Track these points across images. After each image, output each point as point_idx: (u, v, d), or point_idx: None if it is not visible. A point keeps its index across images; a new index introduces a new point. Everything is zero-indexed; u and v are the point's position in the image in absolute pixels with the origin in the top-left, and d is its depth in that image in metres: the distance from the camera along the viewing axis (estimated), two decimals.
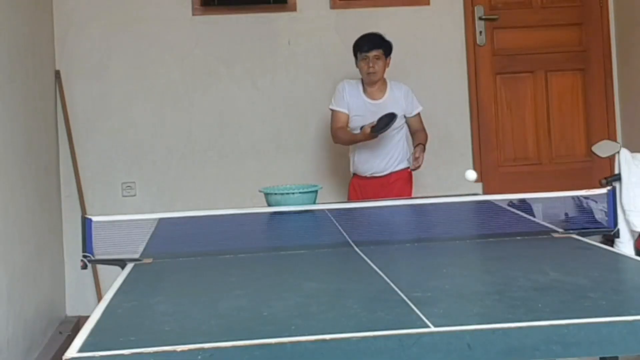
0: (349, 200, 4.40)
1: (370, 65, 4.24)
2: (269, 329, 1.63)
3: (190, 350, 1.49)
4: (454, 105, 5.15)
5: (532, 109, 5.21)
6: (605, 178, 3.31)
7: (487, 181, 5.12)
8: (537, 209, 3.25)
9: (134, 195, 4.95)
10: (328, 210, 3.18)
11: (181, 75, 5.02)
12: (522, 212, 3.14)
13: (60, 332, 4.41)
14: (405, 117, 4.34)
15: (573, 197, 3.41)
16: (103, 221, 2.58)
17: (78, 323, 4.54)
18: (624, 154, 3.36)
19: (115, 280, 2.18)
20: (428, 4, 5.13)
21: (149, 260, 2.43)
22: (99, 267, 4.47)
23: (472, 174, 2.47)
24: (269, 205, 3.41)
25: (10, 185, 3.77)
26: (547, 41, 5.19)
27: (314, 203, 3.39)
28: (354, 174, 4.44)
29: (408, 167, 4.34)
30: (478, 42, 5.15)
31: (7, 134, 3.75)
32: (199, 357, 1.48)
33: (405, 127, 4.37)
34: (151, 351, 1.50)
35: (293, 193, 3.39)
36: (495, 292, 1.92)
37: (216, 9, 5.02)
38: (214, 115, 5.03)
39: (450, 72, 5.15)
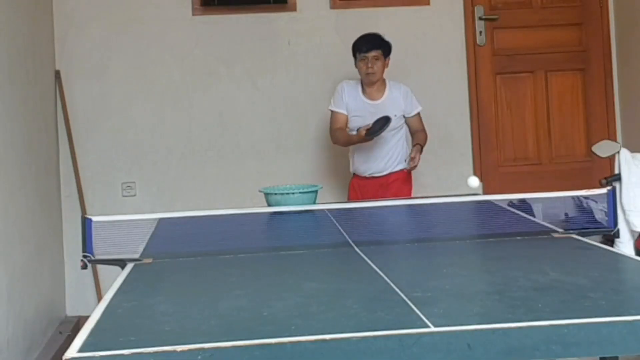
0: (349, 200, 4.40)
1: (369, 65, 4.24)
2: (269, 329, 1.63)
3: (190, 350, 1.49)
4: (454, 105, 5.15)
5: (532, 109, 5.22)
6: (605, 178, 3.31)
7: (487, 181, 5.12)
8: (537, 209, 3.25)
9: (134, 195, 4.95)
10: (328, 210, 3.17)
11: (181, 75, 5.02)
12: (522, 212, 3.14)
13: (60, 332, 4.41)
14: (404, 117, 4.34)
15: (573, 197, 3.41)
16: (103, 221, 2.58)
17: (78, 323, 4.54)
18: (624, 154, 3.36)
19: (115, 280, 2.18)
20: (428, 4, 5.13)
21: (149, 260, 2.43)
22: (99, 267, 4.47)
23: (474, 181, 2.47)
24: (269, 205, 3.41)
25: (10, 185, 3.77)
26: (547, 41, 5.19)
27: (314, 203, 3.39)
28: (354, 174, 4.45)
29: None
30: (478, 42, 5.15)
31: (7, 134, 3.75)
32: (199, 357, 1.48)
33: (405, 128, 4.37)
34: (151, 351, 1.50)
35: (293, 193, 3.39)
36: (495, 292, 1.92)
37: (216, 9, 5.03)
38: (214, 115, 5.03)
39: (450, 72, 5.15)
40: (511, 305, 1.74)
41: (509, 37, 5.18)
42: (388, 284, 1.97)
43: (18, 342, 3.71)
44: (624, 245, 3.21)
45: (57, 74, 4.86)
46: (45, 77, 4.65)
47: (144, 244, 2.71)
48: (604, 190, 2.75)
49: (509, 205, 3.26)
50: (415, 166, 4.26)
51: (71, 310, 4.83)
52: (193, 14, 5.02)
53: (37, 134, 4.35)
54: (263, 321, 1.69)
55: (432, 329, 1.56)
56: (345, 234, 2.74)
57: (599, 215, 3.11)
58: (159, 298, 1.98)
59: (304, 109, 5.05)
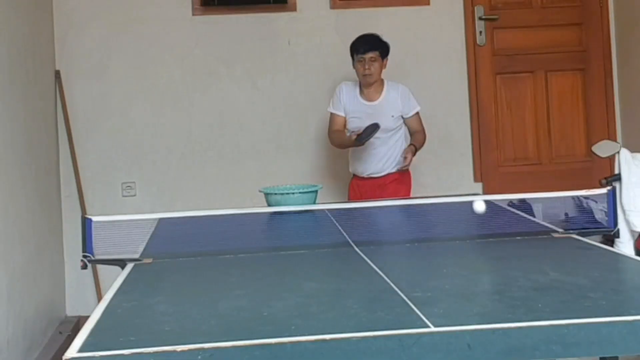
0: (349, 200, 4.40)
1: (366, 67, 4.23)
2: (269, 329, 1.63)
3: (190, 350, 1.49)
4: (454, 105, 5.15)
5: (532, 109, 5.22)
6: (605, 178, 3.31)
7: (487, 181, 5.12)
8: (537, 209, 3.25)
9: (134, 195, 4.95)
10: (328, 210, 3.17)
11: (181, 75, 5.02)
12: (522, 212, 3.14)
13: (60, 332, 4.41)
14: (402, 117, 4.33)
15: (573, 197, 3.41)
16: (103, 221, 2.58)
17: (78, 323, 4.54)
18: (624, 154, 3.36)
19: (115, 280, 2.18)
20: (428, 4, 5.13)
21: (149, 260, 2.43)
22: (99, 267, 4.47)
23: (480, 206, 2.47)
24: (269, 205, 3.40)
25: (10, 185, 3.77)
26: (547, 41, 5.19)
27: (314, 203, 3.39)
28: (353, 175, 4.45)
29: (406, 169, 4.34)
30: (478, 42, 5.15)
31: (7, 134, 3.75)
32: (199, 357, 1.48)
33: (404, 128, 4.37)
34: (151, 351, 1.50)
35: (293, 193, 3.39)
36: (495, 292, 1.92)
37: (216, 9, 5.03)
38: (214, 115, 5.03)
39: (450, 72, 5.15)
40: (511, 305, 1.74)
41: (509, 37, 5.18)
42: (388, 284, 1.97)
43: (18, 342, 3.71)
44: (624, 245, 3.21)
45: (57, 74, 4.86)
46: (45, 77, 4.65)
47: (144, 244, 2.71)
48: (604, 190, 2.75)
49: (509, 205, 3.26)
50: (406, 166, 4.24)
51: (71, 310, 4.83)
52: (193, 14, 5.02)
53: (37, 134, 4.35)
54: (263, 321, 1.69)
55: (432, 329, 1.56)
56: (345, 234, 2.74)
57: (599, 215, 3.11)
58: (159, 298, 1.98)
59: (304, 109, 5.05)
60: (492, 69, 5.17)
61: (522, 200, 3.28)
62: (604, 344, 1.56)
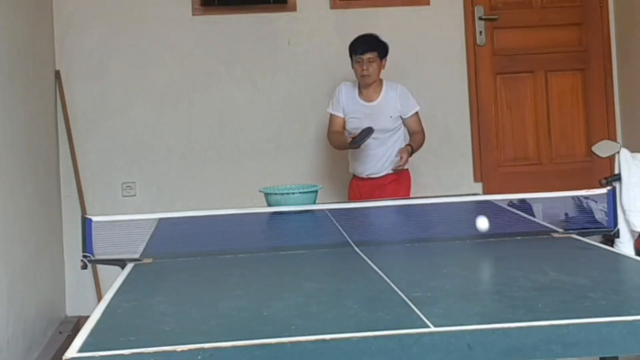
0: (350, 200, 4.40)
1: (364, 68, 4.23)
2: (269, 329, 1.63)
3: (190, 350, 1.49)
4: (454, 105, 5.16)
5: (532, 109, 5.22)
6: (605, 178, 3.31)
7: (487, 181, 5.12)
8: (537, 209, 3.25)
9: (134, 195, 4.95)
10: (328, 210, 3.17)
11: (181, 75, 5.02)
12: (522, 212, 3.14)
13: (60, 332, 4.41)
14: (401, 118, 4.31)
15: (573, 197, 3.41)
16: (103, 221, 2.58)
17: (78, 323, 4.54)
18: (624, 154, 3.36)
19: (115, 280, 2.18)
20: (428, 4, 5.13)
21: (149, 260, 2.43)
22: (99, 267, 4.47)
23: (483, 223, 2.46)
24: (269, 205, 3.40)
25: (10, 185, 3.77)
26: (547, 41, 5.19)
27: (314, 203, 3.39)
28: (353, 175, 4.45)
29: (405, 169, 4.33)
30: (478, 42, 5.15)
31: (7, 134, 3.75)
32: (199, 357, 1.48)
33: (403, 129, 4.35)
34: (151, 351, 1.50)
35: (293, 193, 3.39)
36: (495, 292, 1.92)
37: (216, 9, 5.03)
38: (214, 115, 5.03)
39: (450, 72, 5.15)
40: (511, 305, 1.74)
41: (509, 37, 5.18)
42: (388, 284, 1.97)
43: (18, 342, 3.71)
44: (624, 245, 3.21)
45: (57, 74, 4.86)
46: (45, 77, 4.65)
47: (144, 244, 2.71)
48: (604, 190, 2.75)
49: (509, 205, 3.26)
50: (401, 166, 4.21)
51: (71, 310, 4.83)
52: (193, 14, 5.02)
53: (37, 134, 4.35)
54: (263, 321, 1.69)
55: (432, 329, 1.56)
56: (345, 234, 2.74)
57: (599, 215, 3.10)
58: (159, 298, 1.98)
59: (304, 109, 5.05)
60: (492, 69, 5.17)
61: (522, 200, 3.28)
62: (604, 344, 1.56)
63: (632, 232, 3.27)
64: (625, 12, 5.12)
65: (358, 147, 4.15)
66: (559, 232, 2.63)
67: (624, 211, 3.25)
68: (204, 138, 5.02)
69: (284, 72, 5.07)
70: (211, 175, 5.01)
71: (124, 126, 4.97)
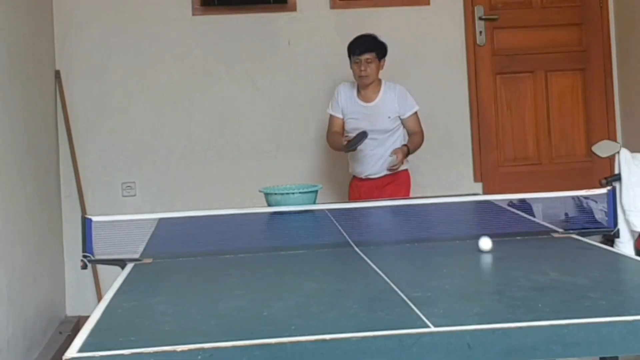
0: (350, 200, 4.40)
1: (362, 68, 4.21)
2: (269, 329, 1.63)
3: (190, 350, 1.49)
4: (454, 105, 5.15)
5: (532, 109, 5.22)
6: (605, 178, 3.31)
7: (487, 181, 5.12)
8: (537, 209, 3.25)
9: (134, 195, 4.95)
10: (328, 210, 3.17)
11: (181, 75, 5.02)
12: (522, 212, 3.14)
13: (60, 332, 4.41)
14: (400, 118, 4.30)
15: (573, 197, 3.41)
16: (103, 221, 2.58)
17: (78, 323, 4.54)
18: (624, 154, 3.36)
19: (115, 280, 2.18)
20: (428, 4, 5.13)
21: (149, 260, 2.43)
22: (99, 267, 4.47)
23: (486, 244, 2.45)
24: (269, 205, 3.40)
25: (10, 185, 3.77)
26: (547, 41, 5.19)
27: (314, 203, 3.39)
28: (353, 176, 4.45)
29: (405, 170, 4.33)
30: (478, 42, 5.15)
31: (7, 134, 3.75)
32: (199, 357, 1.48)
33: (402, 129, 4.33)
34: (151, 351, 1.50)
35: (293, 193, 3.39)
36: (495, 292, 1.92)
37: (216, 9, 5.03)
38: (214, 115, 5.03)
39: (450, 72, 5.15)
40: (511, 305, 1.74)
41: (509, 37, 5.18)
42: (388, 284, 1.97)
43: (18, 342, 3.71)
44: (624, 245, 3.21)
45: (57, 74, 4.86)
46: (45, 77, 4.65)
47: (144, 244, 2.71)
48: (604, 190, 2.75)
49: (509, 205, 3.26)
50: (395, 166, 4.18)
51: (71, 310, 4.83)
52: (193, 14, 5.02)
53: (37, 134, 4.35)
54: (263, 321, 1.69)
55: (432, 329, 1.56)
56: (345, 234, 2.74)
57: (599, 215, 3.11)
58: (159, 298, 1.98)
59: (304, 109, 5.05)
60: (492, 69, 5.17)
61: (522, 200, 3.28)
62: (604, 344, 1.56)
63: (632, 232, 3.27)
64: (625, 12, 5.12)
65: (354, 149, 4.15)
66: (559, 232, 2.63)
67: (624, 211, 3.24)
68: (204, 138, 5.02)
69: (284, 72, 5.07)
70: (211, 175, 5.01)
71: (124, 126, 4.97)
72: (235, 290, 2.01)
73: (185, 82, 5.02)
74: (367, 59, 4.22)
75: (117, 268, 2.42)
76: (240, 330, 1.64)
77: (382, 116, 4.25)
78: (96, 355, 1.49)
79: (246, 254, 2.51)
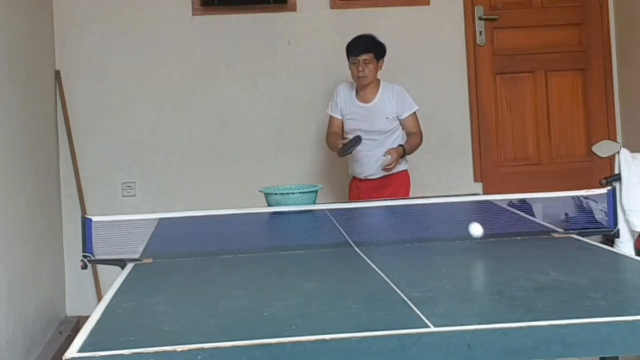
0: (350, 201, 4.39)
1: (360, 69, 4.20)
2: (269, 329, 1.63)
3: (190, 350, 1.49)
4: (454, 105, 5.15)
5: (532, 109, 5.22)
6: (605, 178, 3.31)
7: (487, 181, 5.12)
8: (537, 209, 3.25)
9: (134, 195, 4.95)
10: (328, 210, 3.17)
11: (181, 75, 5.02)
12: (522, 212, 3.14)
13: (60, 332, 4.41)
14: (398, 119, 4.29)
15: (573, 197, 3.41)
16: (103, 221, 2.58)
17: (78, 323, 4.54)
18: (624, 154, 3.36)
19: (115, 280, 2.18)
20: (428, 4, 5.13)
21: (149, 260, 2.43)
22: (99, 267, 4.47)
23: (477, 229, 2.46)
24: (269, 205, 3.40)
25: (10, 186, 3.77)
26: (547, 41, 5.19)
27: (314, 203, 3.39)
28: (353, 176, 4.44)
29: (404, 170, 4.32)
30: (478, 42, 5.15)
31: (7, 134, 3.75)
32: (199, 357, 1.48)
33: (401, 130, 4.31)
34: (151, 351, 1.50)
35: (293, 193, 3.39)
36: (495, 292, 1.91)
37: (216, 9, 5.03)
38: (214, 115, 5.03)
39: (450, 72, 5.15)
40: (511, 305, 1.74)
41: (509, 37, 5.18)
42: (388, 284, 1.97)
43: (18, 342, 3.71)
44: (624, 245, 3.21)
45: (57, 74, 4.86)
46: (45, 77, 4.65)
47: (144, 244, 2.71)
48: (604, 190, 2.75)
49: (509, 205, 3.26)
50: (389, 167, 4.14)
51: (71, 310, 4.83)
52: (193, 14, 5.02)
53: (37, 134, 4.35)
54: (263, 321, 1.69)
55: (432, 329, 1.56)
56: (345, 234, 2.74)
57: (599, 215, 3.10)
58: (159, 298, 1.98)
59: (304, 109, 5.05)
60: (492, 69, 5.17)
61: (522, 200, 3.28)
62: (604, 344, 1.56)
63: (632, 232, 3.27)
64: (625, 12, 5.12)
65: (347, 154, 4.15)
66: (559, 232, 2.63)
67: (624, 211, 3.24)
68: (204, 138, 5.02)
69: (284, 72, 5.07)
70: (211, 175, 5.01)
71: (124, 126, 4.97)
72: (235, 290, 2.01)
73: (185, 82, 5.02)
74: (365, 59, 4.21)
75: (117, 268, 2.42)
76: (240, 330, 1.64)
77: (380, 117, 4.24)
78: (96, 355, 1.49)
79: (246, 254, 2.51)
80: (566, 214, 3.28)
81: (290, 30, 5.06)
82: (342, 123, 4.36)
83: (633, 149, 3.44)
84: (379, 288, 1.95)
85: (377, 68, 4.25)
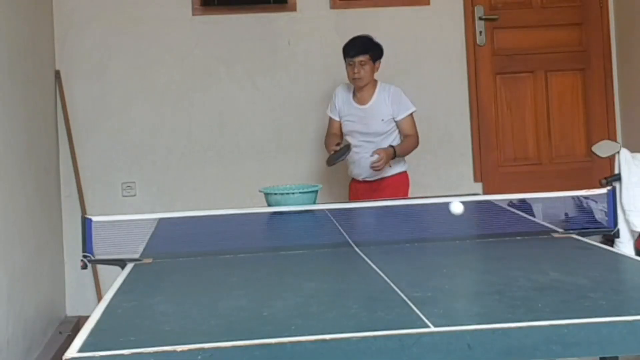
0: (350, 201, 4.39)
1: (355, 71, 4.17)
2: (269, 329, 1.63)
3: (190, 350, 1.49)
4: (454, 105, 5.15)
5: (532, 109, 5.22)
6: (605, 178, 3.31)
7: (487, 181, 5.12)
8: (537, 209, 3.25)
9: (134, 195, 4.95)
10: (328, 210, 3.17)
11: (181, 75, 5.02)
12: (522, 212, 3.14)
13: (60, 332, 4.41)
14: (394, 120, 4.26)
15: (573, 197, 3.41)
16: (103, 221, 2.58)
17: (78, 323, 4.54)
18: (624, 154, 3.36)
19: (115, 280, 2.18)
20: (428, 4, 5.13)
21: (149, 260, 2.43)
22: (99, 267, 4.47)
23: (457, 207, 2.45)
24: (269, 205, 3.40)
25: (10, 185, 3.77)
26: (547, 41, 5.19)
27: (314, 203, 3.39)
28: (352, 177, 4.44)
29: (402, 172, 4.31)
30: (478, 42, 5.15)
31: (7, 134, 3.75)
32: (199, 357, 1.48)
33: (397, 132, 4.29)
34: (151, 351, 1.50)
35: (293, 193, 3.39)
36: (495, 292, 1.91)
37: (216, 9, 5.03)
38: (214, 115, 5.03)
39: (450, 72, 5.15)
40: (511, 305, 1.74)
41: (509, 37, 5.18)
42: (388, 284, 1.97)
43: (18, 342, 3.71)
44: (624, 245, 3.21)
45: (57, 74, 4.86)
46: (45, 77, 4.65)
47: (144, 244, 2.71)
48: (604, 190, 2.75)
49: (509, 205, 3.26)
50: (376, 165, 4.07)
51: (71, 310, 4.83)
52: (193, 14, 5.02)
53: (37, 134, 4.35)
54: (263, 321, 1.69)
55: (432, 329, 1.56)
56: (345, 234, 2.74)
57: (599, 215, 3.10)
58: (159, 298, 1.98)
59: (304, 109, 5.05)
60: (492, 69, 5.17)
61: (522, 200, 3.28)
62: (604, 344, 1.56)
63: (632, 232, 3.27)
64: (625, 12, 5.12)
65: (334, 164, 4.14)
66: (559, 232, 2.63)
67: (624, 211, 3.25)
68: (204, 138, 5.02)
69: (284, 72, 5.07)
70: (211, 175, 5.01)
71: (124, 126, 4.97)
72: (235, 290, 2.01)
73: (185, 82, 5.02)
74: (361, 61, 4.18)
75: (117, 268, 2.42)
76: (240, 330, 1.64)
77: (376, 119, 4.22)
78: (96, 355, 1.49)
79: (246, 254, 2.51)
80: (566, 214, 3.28)
81: (290, 30, 5.06)
82: (341, 124, 4.36)
83: (633, 149, 3.44)
84: (379, 288, 1.95)
85: (373, 69, 4.23)
